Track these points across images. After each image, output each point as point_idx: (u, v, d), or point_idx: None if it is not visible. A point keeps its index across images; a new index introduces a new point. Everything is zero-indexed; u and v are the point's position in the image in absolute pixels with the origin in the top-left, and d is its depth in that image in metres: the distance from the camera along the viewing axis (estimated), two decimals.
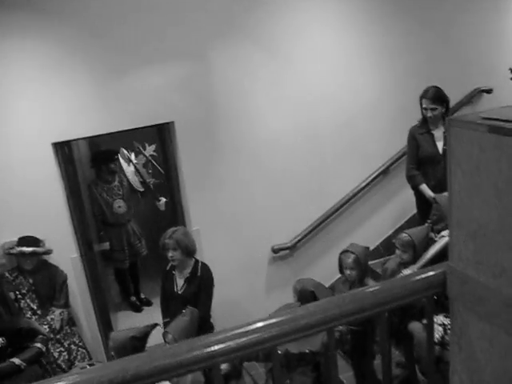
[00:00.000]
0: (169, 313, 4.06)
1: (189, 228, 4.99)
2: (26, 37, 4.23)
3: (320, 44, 5.05)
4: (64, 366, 4.40)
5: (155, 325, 3.87)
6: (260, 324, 1.69)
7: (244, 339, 1.66)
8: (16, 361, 2.21)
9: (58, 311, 4.36)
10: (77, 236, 4.85)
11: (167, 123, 4.78)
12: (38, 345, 2.27)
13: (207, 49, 4.68)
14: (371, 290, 1.86)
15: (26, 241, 4.24)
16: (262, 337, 1.66)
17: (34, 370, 2.31)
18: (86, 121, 4.47)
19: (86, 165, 6.35)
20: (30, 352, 2.23)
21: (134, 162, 6.88)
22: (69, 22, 4.28)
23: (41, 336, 2.32)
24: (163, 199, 6.18)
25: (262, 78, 4.90)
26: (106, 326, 5.38)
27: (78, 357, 4.49)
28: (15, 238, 4.29)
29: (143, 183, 6.94)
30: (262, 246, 5.22)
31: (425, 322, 2.97)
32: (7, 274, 4.33)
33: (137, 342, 3.54)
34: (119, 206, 5.91)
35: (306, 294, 3.47)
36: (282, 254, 5.29)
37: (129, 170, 6.82)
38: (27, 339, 2.26)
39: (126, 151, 6.83)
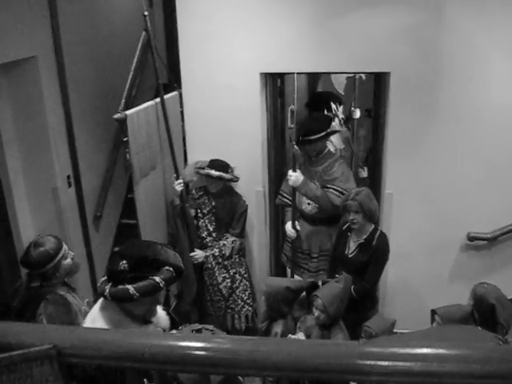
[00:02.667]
0: (335, 274, 3.84)
1: (382, 190, 4.65)
2: None
3: None
4: (224, 292, 4.52)
5: (313, 283, 3.71)
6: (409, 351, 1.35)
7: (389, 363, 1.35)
8: (130, 289, 2.14)
9: (231, 239, 4.43)
10: (268, 170, 4.81)
11: (383, 73, 4.36)
12: (157, 279, 2.16)
13: None
14: None
15: (215, 164, 4.30)
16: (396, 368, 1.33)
17: (148, 300, 2.25)
18: (298, 56, 4.25)
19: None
20: (144, 283, 2.15)
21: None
22: None
23: (166, 268, 2.22)
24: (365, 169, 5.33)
25: (503, 39, 4.10)
26: (278, 265, 5.38)
27: (240, 287, 4.57)
28: (208, 159, 4.38)
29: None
30: (457, 228, 4.61)
31: None
32: (193, 191, 4.49)
33: (289, 294, 3.46)
34: None
35: (484, 305, 2.96)
36: (478, 243, 4.64)
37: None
38: (150, 269, 2.19)
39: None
